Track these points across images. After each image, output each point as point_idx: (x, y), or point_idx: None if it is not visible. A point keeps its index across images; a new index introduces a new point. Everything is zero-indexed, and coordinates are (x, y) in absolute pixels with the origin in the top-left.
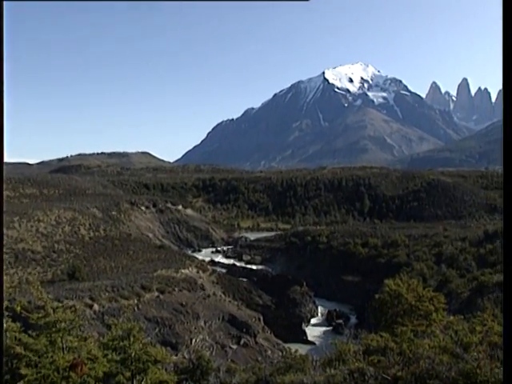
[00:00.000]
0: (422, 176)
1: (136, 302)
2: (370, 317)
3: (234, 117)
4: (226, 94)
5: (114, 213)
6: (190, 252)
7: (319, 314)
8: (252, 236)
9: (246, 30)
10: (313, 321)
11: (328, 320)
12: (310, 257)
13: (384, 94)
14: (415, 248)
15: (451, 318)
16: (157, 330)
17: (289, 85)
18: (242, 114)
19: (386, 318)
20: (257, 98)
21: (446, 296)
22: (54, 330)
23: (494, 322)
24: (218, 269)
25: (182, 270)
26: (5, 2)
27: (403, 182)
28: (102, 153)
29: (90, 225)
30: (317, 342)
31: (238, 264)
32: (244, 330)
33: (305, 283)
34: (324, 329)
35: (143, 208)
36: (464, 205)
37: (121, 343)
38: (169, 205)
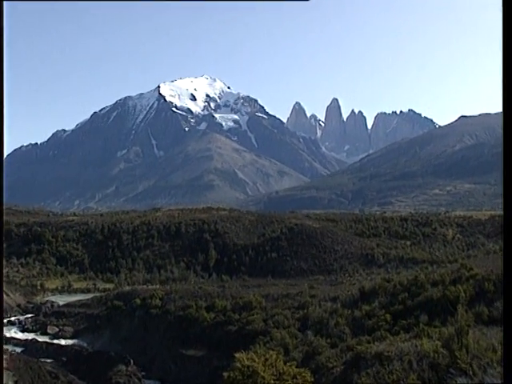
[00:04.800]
0: (282, 220)
1: None
2: None
3: (39, 141)
4: (28, 111)
5: None
6: None
7: None
8: (61, 300)
9: (53, 29)
10: None
11: None
12: (139, 326)
13: (235, 117)
14: (274, 311)
15: None
16: None
17: (113, 101)
18: (50, 138)
19: None
20: (69, 118)
21: (314, 372)
22: None
23: None
24: (11, 348)
25: None
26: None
27: (259, 227)
28: None
29: None
30: None
31: (40, 339)
32: None
33: (132, 361)
34: None
35: None
36: (334, 256)
37: None
38: None
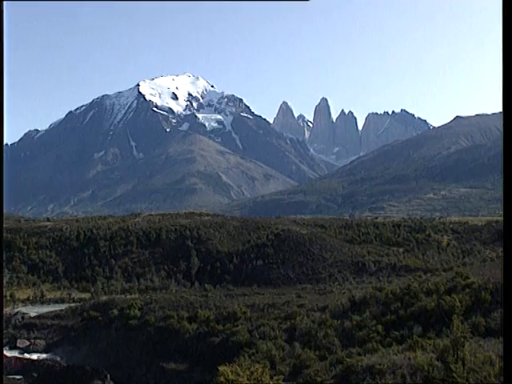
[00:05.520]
0: (268, 226)
1: None
2: None
3: (9, 142)
4: None
5: None
6: None
7: None
8: (33, 311)
9: (26, 24)
10: None
11: None
12: (116, 338)
13: (219, 117)
14: (260, 322)
15: None
16: None
17: (89, 100)
18: (22, 139)
19: None
20: (43, 117)
21: None
22: None
23: None
24: None
25: None
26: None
27: (243, 233)
28: None
29: None
30: None
31: (8, 354)
32: None
33: (109, 376)
34: None
35: None
36: (323, 263)
37: None
38: None
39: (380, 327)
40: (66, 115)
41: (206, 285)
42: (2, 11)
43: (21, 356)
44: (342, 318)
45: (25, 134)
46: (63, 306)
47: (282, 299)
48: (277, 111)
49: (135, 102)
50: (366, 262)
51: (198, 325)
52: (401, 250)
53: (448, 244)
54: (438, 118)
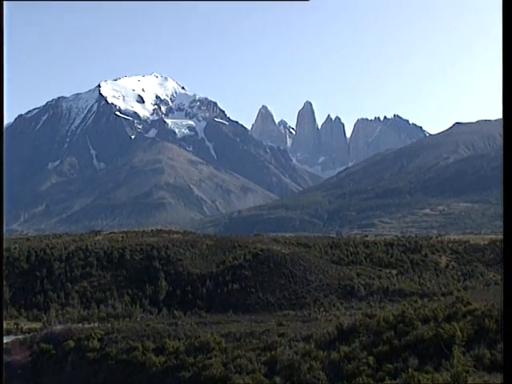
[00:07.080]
0: (245, 245)
1: None
2: None
3: None
4: None
5: None
6: None
7: None
8: None
9: None
10: None
11: None
12: (72, 373)
13: (190, 123)
14: (236, 353)
15: None
16: None
17: (43, 102)
18: None
19: None
20: None
21: None
22: None
23: None
24: None
25: None
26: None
27: (218, 253)
28: None
29: None
30: None
31: None
32: None
33: None
34: None
35: None
36: (307, 287)
37: None
38: None
39: (371, 359)
40: (16, 119)
41: (176, 311)
42: (2, 11)
43: None
44: (329, 348)
45: None
46: (9, 338)
47: (261, 327)
48: (255, 116)
49: (96, 105)
50: (355, 286)
51: (166, 357)
52: (394, 271)
53: (447, 265)
54: (435, 124)
